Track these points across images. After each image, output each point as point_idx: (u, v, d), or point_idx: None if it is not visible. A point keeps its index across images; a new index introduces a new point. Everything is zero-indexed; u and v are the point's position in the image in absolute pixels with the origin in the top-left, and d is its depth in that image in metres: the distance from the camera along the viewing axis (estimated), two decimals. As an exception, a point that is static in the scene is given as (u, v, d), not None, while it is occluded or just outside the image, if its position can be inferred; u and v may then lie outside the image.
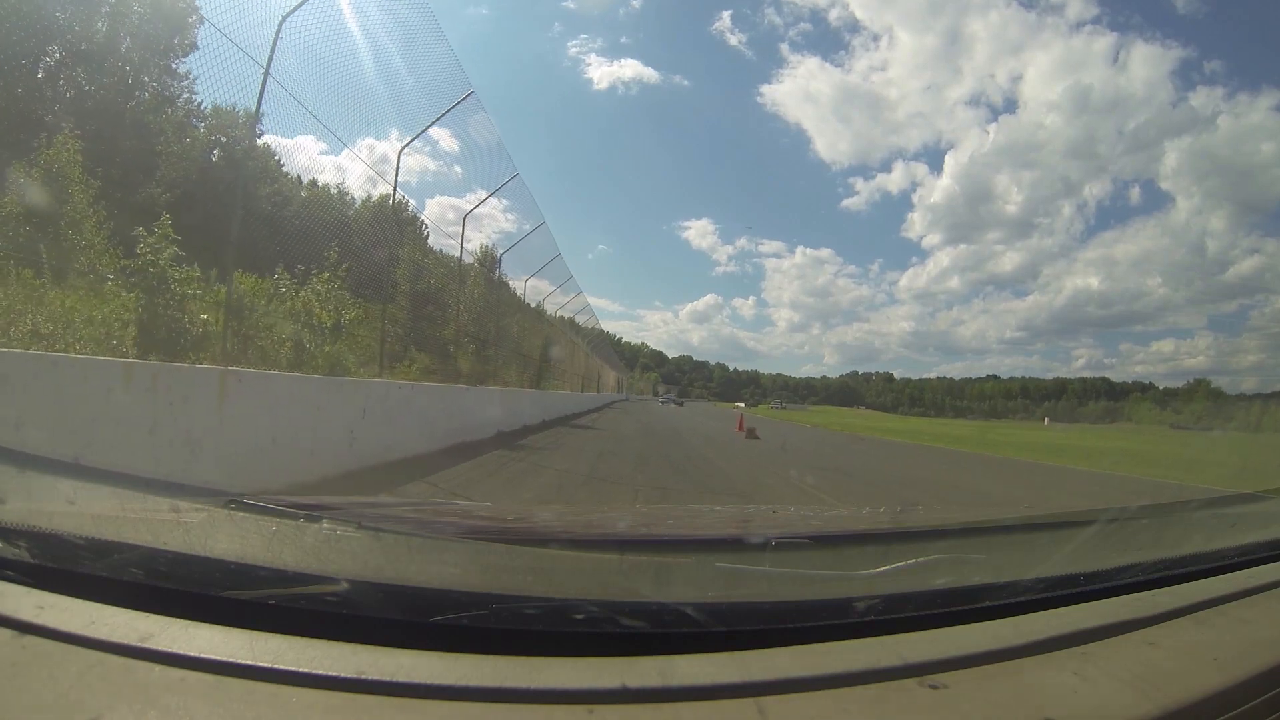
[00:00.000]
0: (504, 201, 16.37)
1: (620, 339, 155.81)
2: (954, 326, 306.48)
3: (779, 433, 22.41)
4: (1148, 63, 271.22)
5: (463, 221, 14.10)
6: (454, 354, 13.80)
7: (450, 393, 10.95)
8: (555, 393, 22.32)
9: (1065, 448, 23.77)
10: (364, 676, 0.64)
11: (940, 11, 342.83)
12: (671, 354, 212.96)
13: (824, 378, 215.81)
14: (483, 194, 14.49)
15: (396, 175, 10.10)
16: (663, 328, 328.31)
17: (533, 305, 21.07)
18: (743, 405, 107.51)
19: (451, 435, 9.98)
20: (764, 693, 0.68)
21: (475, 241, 16.89)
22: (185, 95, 10.71)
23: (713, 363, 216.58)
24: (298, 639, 0.70)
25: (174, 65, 10.41)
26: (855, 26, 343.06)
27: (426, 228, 15.47)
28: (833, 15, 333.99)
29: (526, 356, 19.47)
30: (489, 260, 17.25)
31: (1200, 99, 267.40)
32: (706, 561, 1.11)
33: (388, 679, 0.64)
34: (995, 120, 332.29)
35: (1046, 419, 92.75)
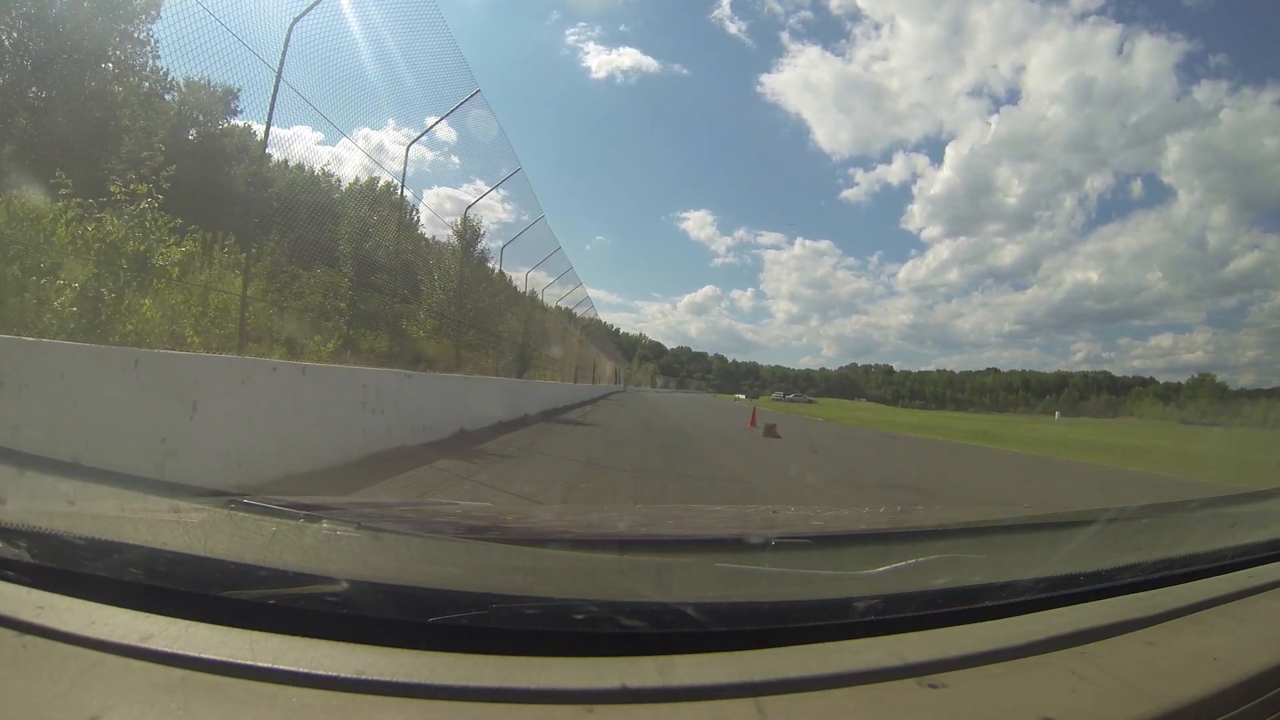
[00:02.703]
0: (472, 141, 13.65)
1: (618, 330, 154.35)
2: (952, 319, 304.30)
3: (797, 429, 20.07)
4: (1152, 55, 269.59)
5: (406, 152, 10.87)
6: (409, 331, 11.71)
7: (380, 380, 7.84)
8: (543, 383, 20.13)
9: (1116, 447, 20.54)
10: (364, 676, 0.64)
11: (943, 0, 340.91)
12: (670, 345, 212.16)
13: (823, 370, 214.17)
14: (454, 142, 12.86)
15: (283, 58, 6.83)
16: (661, 319, 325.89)
17: (525, 292, 19.48)
18: (743, 396, 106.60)
19: (381, 439, 7.44)
20: (764, 693, 0.68)
21: (455, 221, 15.02)
22: (150, 63, 9.41)
23: (711, 354, 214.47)
24: (298, 639, 0.70)
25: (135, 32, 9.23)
26: (857, 15, 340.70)
27: (417, 213, 14.20)
28: (834, 3, 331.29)
29: (510, 341, 17.51)
30: (470, 234, 15.43)
31: (1204, 93, 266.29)
32: (706, 561, 1.11)
33: (388, 679, 0.64)
34: (997, 112, 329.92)
35: (1057, 413, 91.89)
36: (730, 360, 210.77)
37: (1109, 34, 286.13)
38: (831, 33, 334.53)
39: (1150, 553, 1.20)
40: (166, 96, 10.19)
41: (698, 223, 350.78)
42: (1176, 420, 71.19)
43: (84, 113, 8.02)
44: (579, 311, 32.10)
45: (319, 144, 8.97)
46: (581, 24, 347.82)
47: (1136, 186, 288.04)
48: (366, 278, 10.60)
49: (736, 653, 0.75)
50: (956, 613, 0.89)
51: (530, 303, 20.64)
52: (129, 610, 0.73)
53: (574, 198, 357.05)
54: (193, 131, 10.66)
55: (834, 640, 0.79)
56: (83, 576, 0.78)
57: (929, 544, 1.34)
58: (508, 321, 17.69)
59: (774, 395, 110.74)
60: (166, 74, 9.44)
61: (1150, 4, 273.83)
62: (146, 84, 9.38)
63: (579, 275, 31.91)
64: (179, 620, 0.72)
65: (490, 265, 16.78)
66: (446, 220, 14.75)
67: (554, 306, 24.67)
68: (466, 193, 13.97)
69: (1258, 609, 1.04)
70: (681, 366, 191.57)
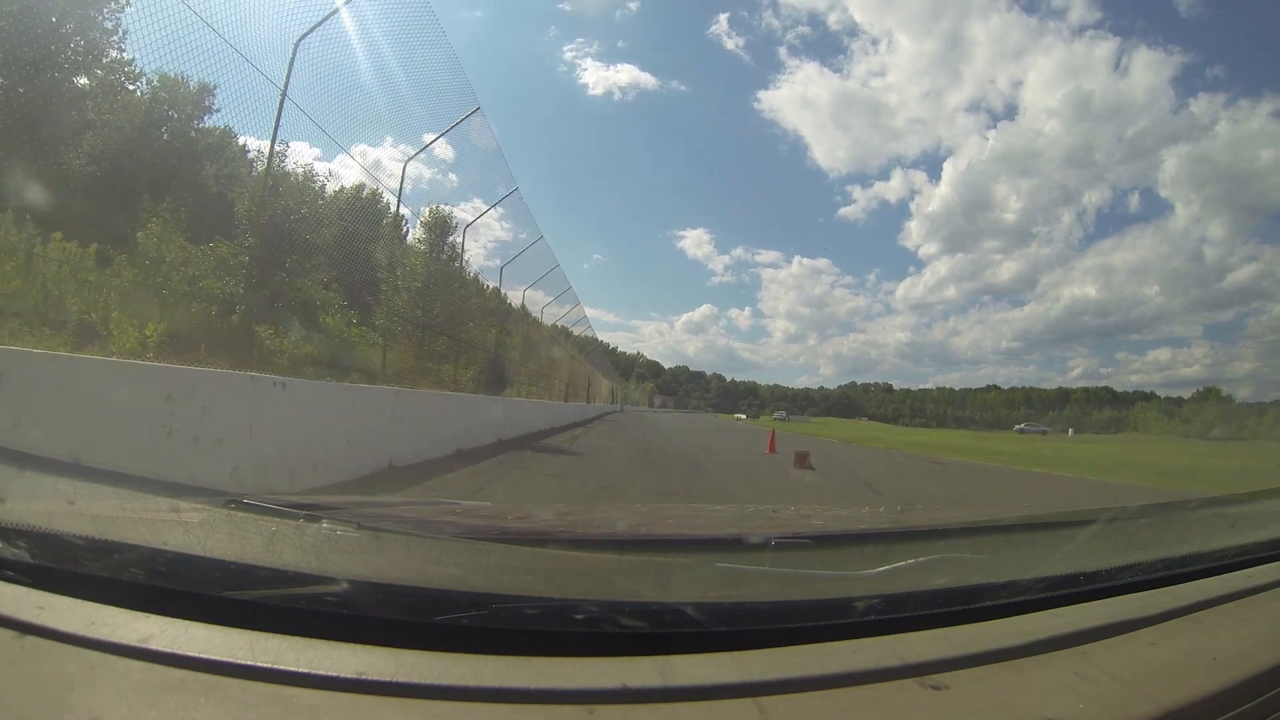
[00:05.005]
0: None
1: (615, 349, 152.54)
2: (950, 337, 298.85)
3: (824, 455, 15.48)
4: (1150, 69, 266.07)
5: (290, 60, 7.71)
6: (330, 326, 9.96)
7: (215, 389, 4.77)
8: (526, 402, 17.55)
9: (1197, 470, 16.92)
10: (364, 676, 0.64)
11: (941, 15, 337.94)
12: (668, 364, 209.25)
13: (821, 388, 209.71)
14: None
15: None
16: (658, 338, 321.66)
17: (495, 287, 17.35)
18: (743, 416, 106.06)
19: (215, 483, 4.45)
20: (764, 693, 0.68)
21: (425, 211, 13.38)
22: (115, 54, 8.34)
23: (709, 373, 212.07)
24: (298, 639, 0.70)
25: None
26: (854, 30, 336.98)
27: (406, 223, 12.91)
28: (831, 19, 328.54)
29: (483, 351, 15.35)
30: (440, 226, 13.64)
31: (1201, 105, 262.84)
32: (707, 561, 1.11)
33: (388, 679, 0.64)
34: (994, 127, 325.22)
35: (1070, 430, 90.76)
36: (728, 379, 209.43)
37: (1107, 48, 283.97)
38: (829, 48, 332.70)
39: (1150, 553, 1.20)
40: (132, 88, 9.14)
41: (695, 241, 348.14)
42: (1181, 435, 70.07)
43: (49, 107, 7.49)
44: (575, 329, 30.71)
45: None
46: (579, 40, 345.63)
47: (1134, 200, 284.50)
48: (280, 258, 7.94)
49: (736, 653, 0.74)
50: (956, 613, 0.89)
51: (515, 313, 18.98)
52: (129, 610, 0.73)
53: (571, 216, 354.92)
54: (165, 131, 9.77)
55: (834, 640, 0.79)
56: (83, 576, 0.77)
57: (929, 544, 1.34)
58: (484, 330, 15.51)
59: (776, 415, 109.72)
60: (132, 61, 8.33)
61: (1148, 17, 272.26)
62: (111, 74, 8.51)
63: (574, 291, 30.26)
64: (179, 620, 0.72)
65: (465, 266, 14.96)
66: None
67: (543, 320, 22.88)
68: (465, 211, 13.02)
69: (1258, 609, 1.04)
70: (679, 386, 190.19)
